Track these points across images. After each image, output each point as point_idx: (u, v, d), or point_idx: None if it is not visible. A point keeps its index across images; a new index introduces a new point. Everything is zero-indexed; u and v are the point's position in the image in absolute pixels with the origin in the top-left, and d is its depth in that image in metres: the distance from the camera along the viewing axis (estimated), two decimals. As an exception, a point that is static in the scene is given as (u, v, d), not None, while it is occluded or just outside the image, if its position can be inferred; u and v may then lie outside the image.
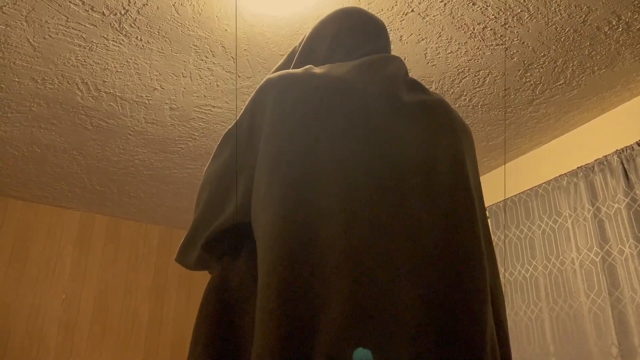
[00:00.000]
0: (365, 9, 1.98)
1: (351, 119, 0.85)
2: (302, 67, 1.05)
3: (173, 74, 2.36)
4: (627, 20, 2.05)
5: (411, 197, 0.81)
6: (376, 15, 2.01)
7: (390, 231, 0.76)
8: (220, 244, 0.88)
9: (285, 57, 1.17)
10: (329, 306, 0.70)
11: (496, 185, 3.23)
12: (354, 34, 1.06)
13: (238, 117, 0.92)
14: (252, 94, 0.91)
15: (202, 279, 4.16)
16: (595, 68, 2.33)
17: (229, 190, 0.88)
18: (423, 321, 0.72)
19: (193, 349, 0.82)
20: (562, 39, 2.15)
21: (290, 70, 0.91)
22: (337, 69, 0.92)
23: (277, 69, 1.15)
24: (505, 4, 1.97)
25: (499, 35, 2.13)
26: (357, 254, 0.73)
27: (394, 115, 0.89)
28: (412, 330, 0.70)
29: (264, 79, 0.91)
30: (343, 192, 0.77)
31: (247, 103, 0.91)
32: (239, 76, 2.39)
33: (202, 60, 2.27)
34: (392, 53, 2.23)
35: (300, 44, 1.12)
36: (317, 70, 0.92)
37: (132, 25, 2.07)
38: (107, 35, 2.12)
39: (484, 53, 2.23)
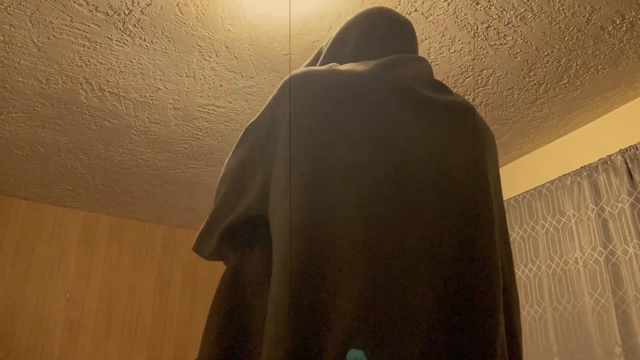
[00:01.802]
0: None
1: (371, 116, 0.85)
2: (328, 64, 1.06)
3: (177, 73, 2.37)
4: (631, 19, 2.04)
5: (428, 196, 0.81)
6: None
7: (406, 229, 0.77)
8: (236, 235, 0.90)
9: (311, 57, 1.18)
10: (342, 300, 0.71)
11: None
12: (380, 34, 1.06)
13: (259, 114, 0.93)
14: (275, 93, 0.92)
15: (205, 277, 4.16)
16: (599, 67, 2.33)
17: (247, 183, 0.89)
18: (436, 320, 0.72)
19: (205, 338, 0.83)
20: (565, 39, 2.15)
21: (313, 67, 0.92)
22: (360, 67, 0.93)
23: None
24: (509, 4, 1.97)
25: (502, 34, 2.13)
26: (372, 251, 0.74)
27: (414, 114, 0.89)
28: (424, 328, 0.71)
29: (289, 76, 0.91)
30: (360, 189, 0.78)
31: (268, 102, 0.93)
32: (242, 76, 2.40)
33: (205, 60, 2.28)
34: (396, 52, 2.23)
35: (327, 44, 1.13)
36: (340, 67, 0.92)
37: (136, 25, 2.08)
38: (111, 35, 2.13)
39: (487, 52, 2.23)
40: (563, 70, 2.34)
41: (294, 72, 0.91)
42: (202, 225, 0.95)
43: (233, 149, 0.95)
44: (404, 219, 0.77)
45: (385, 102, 0.87)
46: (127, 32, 2.12)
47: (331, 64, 0.95)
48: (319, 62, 1.11)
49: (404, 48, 1.06)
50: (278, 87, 0.92)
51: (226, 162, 0.96)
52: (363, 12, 1.11)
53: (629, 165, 2.40)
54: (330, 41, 1.11)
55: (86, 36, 2.13)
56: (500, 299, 0.79)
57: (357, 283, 0.71)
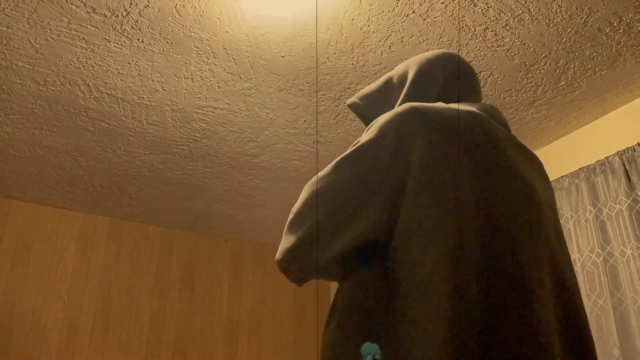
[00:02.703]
0: (367, 10, 1.98)
1: (498, 152, 0.95)
2: (415, 101, 1.13)
3: (174, 75, 2.37)
4: (629, 21, 2.05)
5: (553, 243, 0.95)
6: (377, 16, 2.02)
7: (544, 272, 0.90)
8: (352, 258, 0.92)
9: (377, 85, 1.24)
10: (499, 324, 0.80)
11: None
12: (464, 81, 1.15)
13: (372, 138, 0.93)
14: (391, 120, 0.93)
15: (203, 279, 4.16)
16: (597, 69, 2.33)
17: (361, 207, 0.89)
18: (562, 344, 0.87)
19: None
20: (563, 40, 2.15)
21: (432, 104, 0.98)
22: (469, 107, 1.01)
23: (371, 95, 1.24)
24: (506, 5, 1.97)
25: (500, 36, 2.13)
26: (523, 283, 0.85)
27: (519, 155, 1.02)
28: (558, 346, 0.85)
29: (408, 107, 0.94)
30: (503, 222, 0.89)
31: (385, 127, 0.93)
32: (240, 77, 2.40)
33: (203, 61, 2.28)
34: (393, 55, 2.24)
35: (407, 80, 1.18)
36: (456, 106, 1.00)
37: (134, 27, 2.08)
38: (109, 37, 2.13)
39: (485, 54, 2.23)
40: (561, 72, 2.34)
41: (415, 105, 0.95)
42: (293, 240, 0.92)
43: (334, 164, 0.94)
44: (536, 250, 0.90)
45: (500, 141, 0.97)
46: (125, 34, 2.11)
47: (439, 102, 1.02)
48: (403, 95, 1.16)
49: (479, 96, 1.17)
50: (393, 115, 0.94)
51: (329, 174, 0.94)
52: (444, 56, 1.18)
53: (627, 167, 2.40)
54: (412, 79, 1.16)
55: (84, 38, 2.13)
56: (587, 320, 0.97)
57: (512, 312, 0.81)
